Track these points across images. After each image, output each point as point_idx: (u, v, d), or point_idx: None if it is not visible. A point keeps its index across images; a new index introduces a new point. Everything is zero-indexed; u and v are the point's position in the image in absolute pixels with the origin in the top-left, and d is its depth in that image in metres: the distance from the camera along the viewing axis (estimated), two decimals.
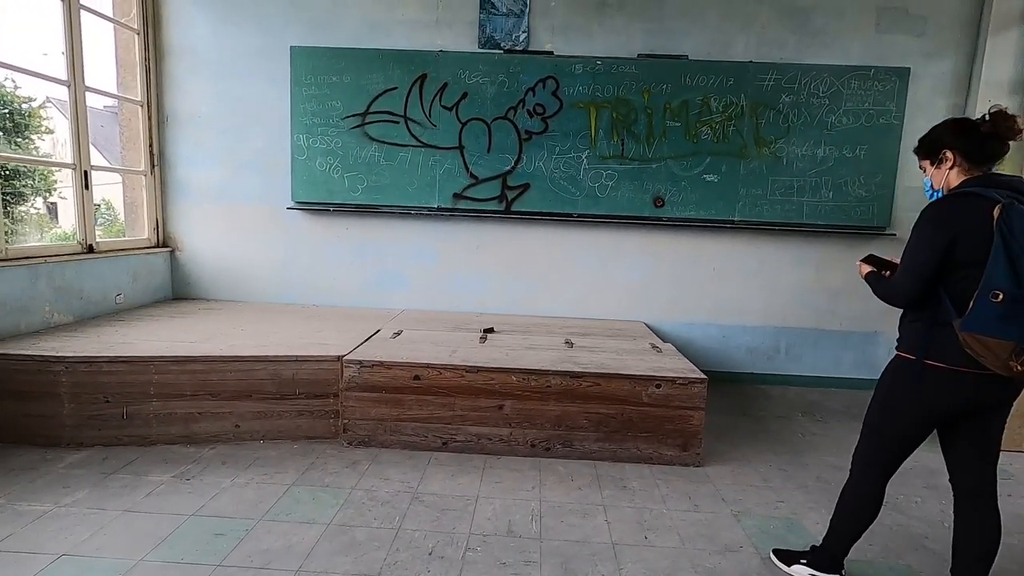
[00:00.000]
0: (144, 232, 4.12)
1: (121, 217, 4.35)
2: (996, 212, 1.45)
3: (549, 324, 3.88)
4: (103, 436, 2.73)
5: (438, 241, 4.18)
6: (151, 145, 4.07)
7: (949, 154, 1.63)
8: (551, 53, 3.93)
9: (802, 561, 1.93)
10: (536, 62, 3.89)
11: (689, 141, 3.92)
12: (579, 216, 4.01)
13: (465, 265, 4.21)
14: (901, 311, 1.73)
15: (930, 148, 1.69)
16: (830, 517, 1.89)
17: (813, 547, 1.95)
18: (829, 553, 1.87)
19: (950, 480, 1.74)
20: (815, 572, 1.88)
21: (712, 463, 2.83)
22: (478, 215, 4.05)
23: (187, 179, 4.18)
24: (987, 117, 1.57)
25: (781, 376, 4.24)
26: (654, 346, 3.34)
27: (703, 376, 2.78)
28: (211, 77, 4.06)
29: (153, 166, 4.10)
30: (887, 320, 4.05)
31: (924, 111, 3.89)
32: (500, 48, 3.95)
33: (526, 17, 3.93)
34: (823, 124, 3.86)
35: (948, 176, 1.65)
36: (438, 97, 3.94)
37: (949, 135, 1.64)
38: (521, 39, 3.96)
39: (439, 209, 4.02)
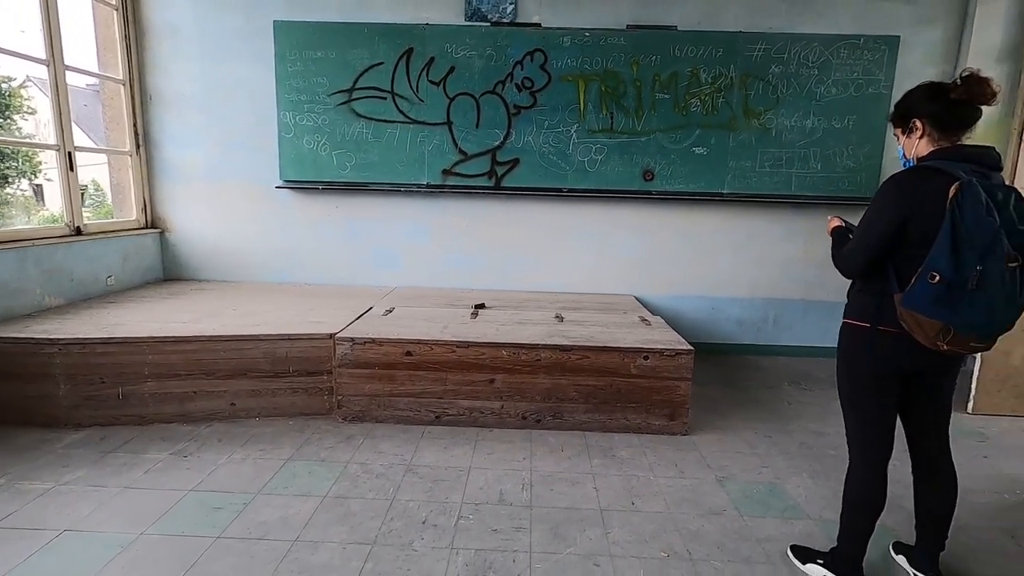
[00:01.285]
0: (132, 213, 4.10)
1: (109, 198, 4.32)
2: (952, 192, 1.41)
3: (540, 299, 3.91)
4: (100, 416, 2.77)
5: (428, 218, 4.18)
6: (135, 125, 4.02)
7: (919, 123, 1.58)
8: (539, 25, 3.87)
9: (819, 561, 1.83)
10: (524, 35, 3.84)
11: (678, 113, 3.90)
12: (569, 191, 4.01)
13: (456, 242, 4.22)
14: (851, 283, 1.74)
15: (902, 116, 1.64)
16: (839, 515, 1.78)
17: (832, 548, 1.83)
18: (845, 554, 1.76)
19: (907, 443, 1.78)
20: (830, 574, 1.79)
21: (699, 431, 2.90)
22: (468, 191, 4.04)
23: (174, 159, 4.14)
24: (959, 81, 1.50)
25: (770, 347, 4.31)
26: (643, 319, 3.38)
27: (690, 347, 2.83)
28: (195, 55, 3.99)
29: (138, 146, 4.06)
30: None
31: (913, 80, 3.76)
32: (487, 20, 3.90)
33: None
34: (812, 95, 3.85)
35: (918, 146, 1.61)
36: (425, 72, 3.89)
37: (920, 102, 1.59)
38: (508, 11, 3.90)
39: (428, 186, 4.01)
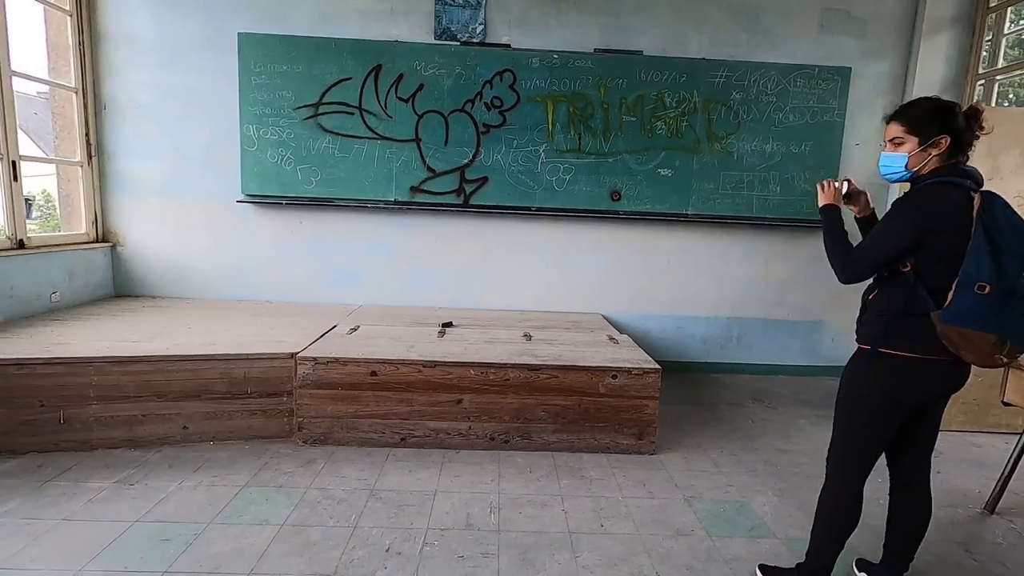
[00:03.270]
0: (82, 226, 3.90)
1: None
2: (977, 202, 1.40)
3: (508, 318, 3.89)
4: (38, 442, 2.58)
5: (395, 235, 4.13)
6: (87, 134, 3.86)
7: (944, 141, 1.49)
8: (508, 46, 3.91)
9: None
10: (493, 55, 3.87)
11: (644, 136, 3.98)
12: (537, 209, 4.03)
13: (423, 259, 4.17)
14: (862, 306, 1.67)
15: (925, 125, 1.52)
16: (811, 528, 1.77)
17: (798, 564, 1.81)
18: (814, 568, 1.75)
19: (888, 464, 1.78)
20: None
21: (666, 450, 2.91)
22: (436, 209, 4.01)
23: (128, 171, 3.98)
24: (976, 109, 1.49)
25: (733, 364, 4.38)
26: (611, 338, 3.39)
27: (657, 366, 2.84)
28: (153, 64, 3.87)
29: (91, 157, 3.89)
30: (830, 310, 4.25)
31: (864, 109, 4.08)
32: (456, 40, 3.92)
33: (483, 9, 3.90)
34: (771, 120, 3.99)
35: (930, 160, 1.53)
36: (394, 88, 3.87)
37: (954, 120, 1.50)
38: (478, 31, 3.93)
39: (396, 203, 3.96)
